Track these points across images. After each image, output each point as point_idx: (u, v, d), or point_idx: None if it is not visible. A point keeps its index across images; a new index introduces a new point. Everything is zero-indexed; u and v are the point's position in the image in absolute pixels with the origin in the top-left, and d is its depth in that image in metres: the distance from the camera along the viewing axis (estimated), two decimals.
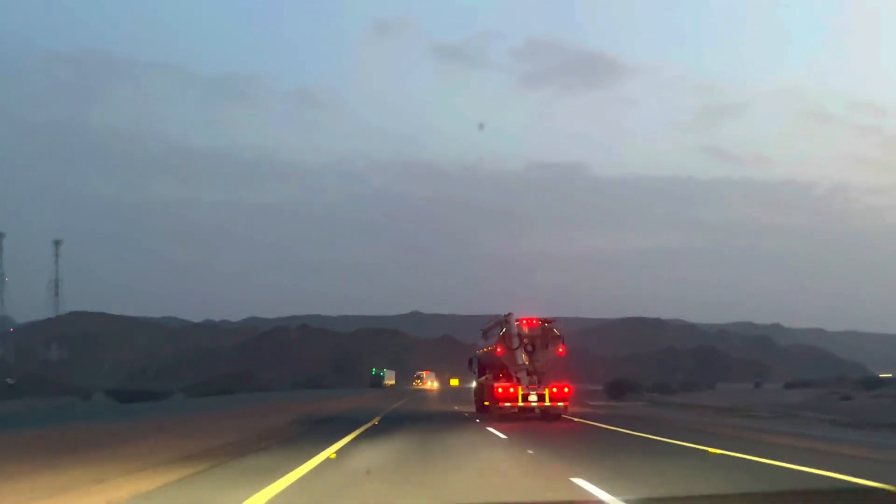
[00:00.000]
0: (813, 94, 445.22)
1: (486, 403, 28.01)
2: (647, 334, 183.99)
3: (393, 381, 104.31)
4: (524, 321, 25.95)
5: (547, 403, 24.59)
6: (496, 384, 25.60)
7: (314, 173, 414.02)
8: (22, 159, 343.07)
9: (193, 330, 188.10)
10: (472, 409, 31.78)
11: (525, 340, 25.53)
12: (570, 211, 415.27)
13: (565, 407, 24.86)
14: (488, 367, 29.41)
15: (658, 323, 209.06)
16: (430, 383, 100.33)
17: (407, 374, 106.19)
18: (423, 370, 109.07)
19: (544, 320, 26.15)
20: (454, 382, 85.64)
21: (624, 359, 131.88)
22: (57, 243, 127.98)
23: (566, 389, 24.92)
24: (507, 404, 24.78)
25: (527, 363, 25.30)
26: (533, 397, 24.70)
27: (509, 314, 25.75)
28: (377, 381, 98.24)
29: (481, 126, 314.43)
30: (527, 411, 25.26)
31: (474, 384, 34.60)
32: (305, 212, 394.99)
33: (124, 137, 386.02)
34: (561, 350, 25.86)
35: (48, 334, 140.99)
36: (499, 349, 25.93)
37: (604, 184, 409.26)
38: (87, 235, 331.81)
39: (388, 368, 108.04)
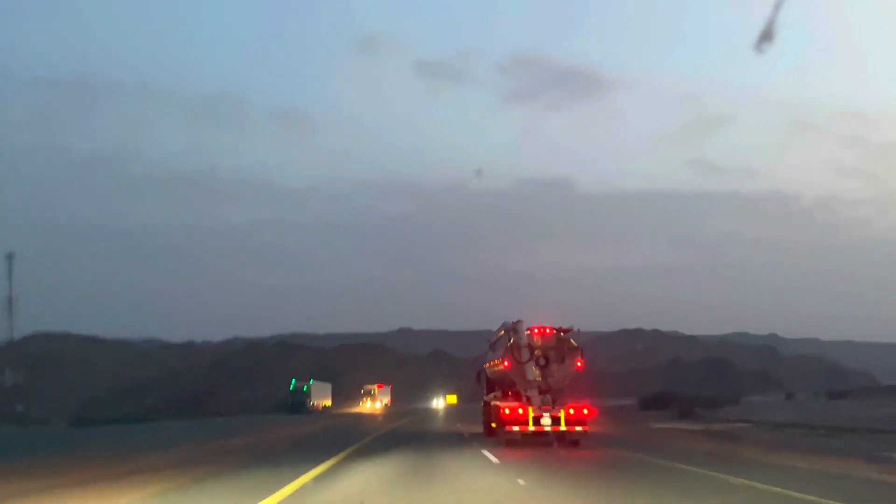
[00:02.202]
0: (798, 105, 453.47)
1: (493, 425, 25.18)
2: (646, 347, 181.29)
3: (328, 402, 76.58)
4: (536, 330, 22.99)
5: (563, 428, 21.56)
6: (503, 404, 22.61)
7: (300, 193, 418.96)
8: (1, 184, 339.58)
9: (169, 351, 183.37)
10: (480, 429, 29.10)
11: (537, 352, 22.61)
12: (558, 227, 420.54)
13: (585, 432, 21.77)
14: (496, 384, 26.48)
15: (657, 335, 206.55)
16: (376, 403, 78.79)
17: (396, 392, 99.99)
18: (374, 383, 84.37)
19: (559, 329, 23.18)
20: (451, 400, 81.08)
21: (627, 372, 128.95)
22: (10, 257, 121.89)
23: (585, 411, 21.84)
24: (516, 428, 21.70)
25: (539, 379, 22.36)
26: (546, 420, 21.69)
27: (518, 321, 22.74)
28: (297, 401, 67.28)
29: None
30: (539, 436, 22.30)
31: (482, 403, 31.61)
32: (291, 232, 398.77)
33: (106, 161, 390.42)
34: (579, 364, 22.87)
35: (7, 357, 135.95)
36: (506, 362, 22.95)
37: (590, 199, 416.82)
38: (71, 260, 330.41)
39: (317, 379, 77.77)
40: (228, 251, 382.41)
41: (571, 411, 21.64)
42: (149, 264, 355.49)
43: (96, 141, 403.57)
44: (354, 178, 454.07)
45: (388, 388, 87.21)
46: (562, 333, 23.06)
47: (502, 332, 24.34)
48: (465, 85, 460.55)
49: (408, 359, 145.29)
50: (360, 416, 55.05)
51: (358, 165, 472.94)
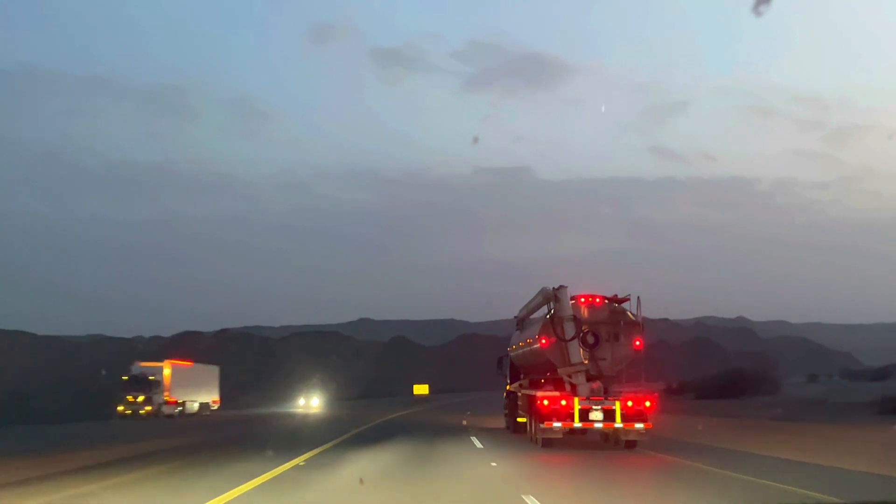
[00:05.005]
0: (755, 90, 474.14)
1: (522, 419, 21.51)
2: None
3: None
4: (582, 300, 19.24)
5: (618, 424, 17.90)
6: (539, 393, 18.83)
7: (256, 184, 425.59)
8: None
9: (105, 346, 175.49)
10: (499, 424, 25.90)
11: (584, 328, 18.78)
12: (518, 215, 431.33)
13: (646, 430, 18.12)
14: (525, 369, 22.77)
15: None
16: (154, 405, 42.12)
17: (352, 384, 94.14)
18: (161, 360, 47.14)
19: (613, 299, 19.44)
20: (422, 390, 76.13)
21: None
22: None
23: (647, 403, 18.21)
24: (557, 424, 17.98)
25: (586, 362, 18.58)
26: (597, 414, 18.14)
27: (561, 287, 18.98)
28: None
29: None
30: (579, 434, 18.93)
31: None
32: (248, 224, 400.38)
33: (52, 152, 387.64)
34: (638, 343, 19.16)
35: None
36: (543, 340, 19.20)
37: (550, 187, 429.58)
38: (13, 254, 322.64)
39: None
40: (183, 244, 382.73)
41: (629, 403, 18.05)
42: (99, 259, 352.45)
43: (42, 131, 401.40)
44: (311, 167, 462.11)
45: (211, 371, 52.10)
46: (616, 304, 19.35)
47: (539, 301, 20.49)
48: (422, 71, 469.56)
49: (366, 346, 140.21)
50: None
51: (314, 154, 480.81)
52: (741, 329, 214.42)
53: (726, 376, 45.77)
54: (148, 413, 41.54)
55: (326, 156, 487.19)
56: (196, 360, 53.92)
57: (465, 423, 30.04)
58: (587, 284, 19.93)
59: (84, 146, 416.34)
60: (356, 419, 34.70)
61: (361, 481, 12.73)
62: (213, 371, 52.47)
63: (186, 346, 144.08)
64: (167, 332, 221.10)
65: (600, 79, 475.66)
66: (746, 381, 43.28)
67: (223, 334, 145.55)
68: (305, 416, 43.36)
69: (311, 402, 57.61)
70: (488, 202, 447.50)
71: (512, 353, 24.40)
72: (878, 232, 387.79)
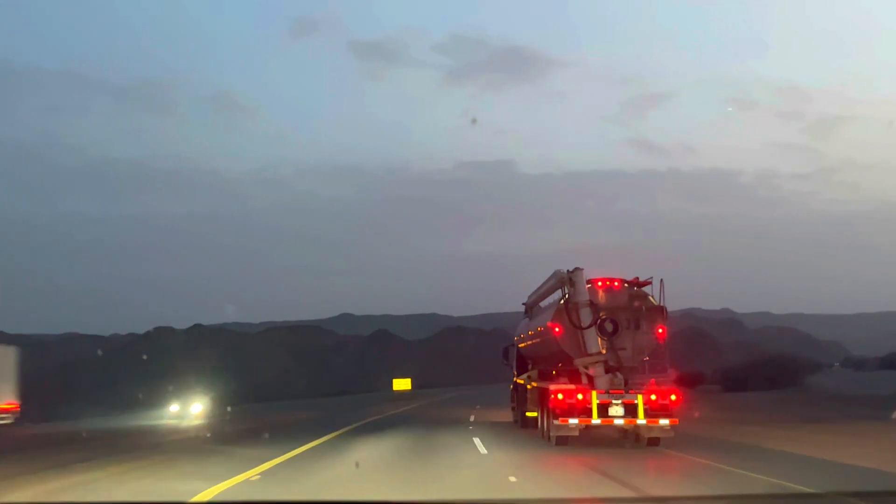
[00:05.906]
0: (736, 82, 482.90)
1: (531, 414, 20.28)
2: None
3: None
4: (599, 283, 17.88)
5: (641, 420, 16.56)
6: (553, 387, 17.48)
7: (237, 181, 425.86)
8: None
9: (76, 343, 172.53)
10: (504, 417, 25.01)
11: (602, 314, 17.39)
12: (501, 208, 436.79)
13: (672, 427, 16.73)
14: (535, 359, 21.40)
15: None
16: None
17: (332, 378, 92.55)
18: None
19: (633, 282, 18.10)
20: (404, 385, 73.52)
21: None
22: None
23: (673, 397, 16.85)
24: (573, 420, 16.62)
25: (604, 352, 17.27)
26: (617, 409, 16.82)
27: (575, 270, 17.56)
28: None
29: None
30: (594, 430, 17.52)
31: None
32: (229, 220, 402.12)
33: (29, 149, 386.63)
34: (661, 331, 17.82)
35: None
36: (557, 329, 17.83)
37: (532, 180, 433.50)
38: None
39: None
40: (163, 241, 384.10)
41: (653, 397, 16.68)
42: (77, 255, 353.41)
43: (20, 127, 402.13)
44: (292, 162, 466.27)
45: None
46: (636, 288, 17.98)
47: (552, 285, 19.11)
48: (404, 65, 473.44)
49: (346, 341, 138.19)
50: None
51: (296, 149, 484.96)
52: (729, 320, 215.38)
53: (760, 365, 43.96)
54: None
55: (308, 151, 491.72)
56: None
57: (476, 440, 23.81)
58: (602, 268, 18.58)
59: (62, 142, 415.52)
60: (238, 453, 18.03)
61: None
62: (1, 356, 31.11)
63: (157, 342, 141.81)
64: (143, 330, 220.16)
65: (582, 72, 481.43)
66: (783, 372, 41.37)
67: (195, 330, 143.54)
68: (197, 416, 30.89)
69: (189, 409, 40.30)
70: (471, 196, 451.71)
71: (520, 343, 23.03)
72: (857, 223, 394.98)
